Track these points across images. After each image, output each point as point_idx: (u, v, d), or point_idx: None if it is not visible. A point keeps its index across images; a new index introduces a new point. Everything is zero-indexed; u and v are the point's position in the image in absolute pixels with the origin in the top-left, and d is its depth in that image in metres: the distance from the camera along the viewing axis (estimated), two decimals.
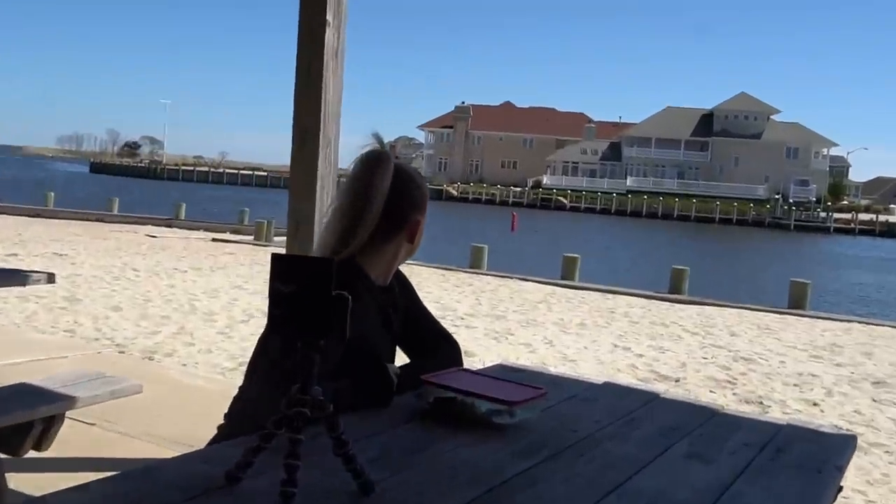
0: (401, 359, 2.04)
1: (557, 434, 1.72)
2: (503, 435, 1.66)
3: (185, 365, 6.32)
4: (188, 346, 7.01)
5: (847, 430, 5.72)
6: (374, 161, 1.88)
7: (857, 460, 5.13)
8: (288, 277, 1.22)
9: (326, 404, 1.25)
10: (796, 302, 13.95)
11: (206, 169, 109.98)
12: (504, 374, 2.18)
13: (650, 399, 2.17)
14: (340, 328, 1.23)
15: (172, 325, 7.95)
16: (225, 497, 1.25)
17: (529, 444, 1.63)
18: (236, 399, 1.85)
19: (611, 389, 2.29)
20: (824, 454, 1.80)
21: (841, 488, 1.76)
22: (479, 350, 7.65)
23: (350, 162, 1.95)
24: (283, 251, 2.51)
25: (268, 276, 1.23)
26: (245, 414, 1.75)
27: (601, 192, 77.66)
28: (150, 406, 4.51)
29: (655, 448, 1.71)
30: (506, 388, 1.83)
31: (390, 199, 1.87)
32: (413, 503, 1.29)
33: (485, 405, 1.71)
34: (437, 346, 2.11)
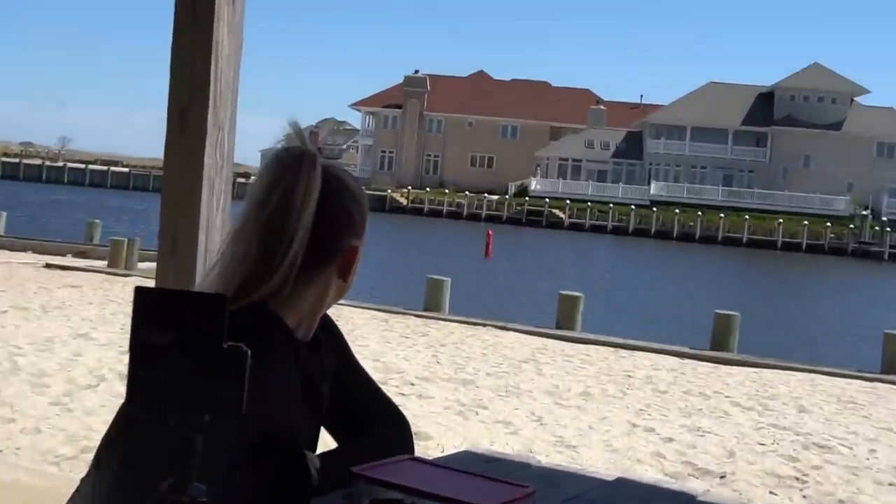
0: (326, 442, 2.03)
1: None
2: None
3: None
4: (6, 424, 6.85)
5: None
6: (295, 161, 1.88)
7: None
8: (160, 322, 1.22)
9: None
10: (893, 365, 14.14)
11: (37, 162, 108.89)
12: (472, 465, 2.18)
13: (683, 503, 2.19)
14: (235, 397, 1.22)
15: None
16: None
17: None
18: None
19: (626, 489, 2.30)
20: None
21: None
22: (437, 430, 7.60)
23: (259, 159, 1.94)
24: (151, 283, 2.46)
25: (128, 321, 1.22)
26: None
27: (614, 204, 78.46)
28: None
29: None
30: (474, 485, 1.84)
31: (317, 218, 1.87)
32: None
33: None
34: (377, 423, 2.11)
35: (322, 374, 1.97)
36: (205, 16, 3.24)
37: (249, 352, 1.24)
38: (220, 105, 3.33)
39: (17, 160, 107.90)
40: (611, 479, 2.40)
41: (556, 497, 2.09)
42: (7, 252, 21.95)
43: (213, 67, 3.29)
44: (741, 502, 2.44)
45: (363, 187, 2.04)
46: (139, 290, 1.22)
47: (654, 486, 2.35)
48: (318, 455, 1.96)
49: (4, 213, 27.15)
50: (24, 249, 22.88)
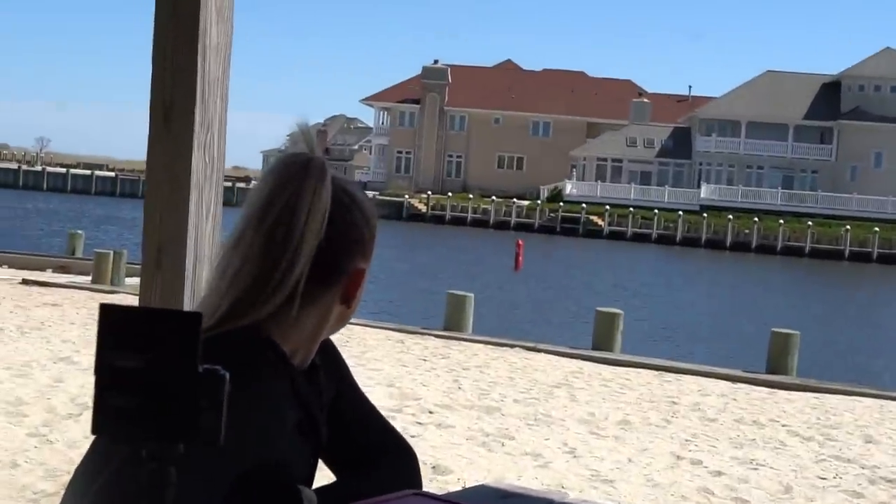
0: (328, 477, 2.05)
1: None
2: None
3: None
4: None
5: None
6: (302, 170, 1.88)
7: None
8: (128, 343, 1.23)
9: None
10: None
11: (13, 166, 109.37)
12: (489, 501, 2.19)
13: None
14: (211, 426, 1.24)
15: None
16: None
17: None
18: None
19: None
20: None
21: None
22: (458, 464, 7.62)
23: (262, 161, 1.95)
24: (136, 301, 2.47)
25: None
26: None
27: (659, 209, 78.26)
28: None
29: None
30: None
31: (323, 236, 1.87)
32: None
33: None
34: (381, 455, 2.13)
35: (320, 404, 1.98)
36: (189, 2, 3.27)
37: (228, 376, 1.25)
38: (209, 101, 3.33)
39: None
40: None
41: None
42: None
43: (199, 59, 3.29)
44: None
45: (373, 202, 2.04)
46: (105, 308, 1.23)
47: None
48: (314, 489, 1.98)
49: None
50: None
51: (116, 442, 1.26)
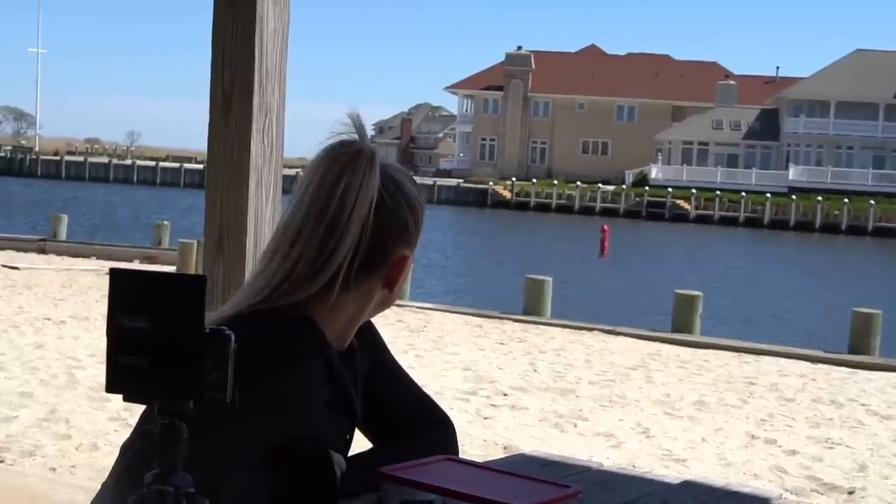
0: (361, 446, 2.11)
1: None
2: None
3: (53, 469, 6.40)
4: (62, 440, 7.09)
5: None
6: (351, 159, 1.93)
7: None
8: (138, 306, 1.29)
9: (199, 498, 1.31)
10: None
11: (104, 160, 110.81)
12: (526, 468, 2.22)
13: None
14: (218, 383, 1.29)
15: (38, 406, 8.05)
16: None
17: None
18: None
19: (694, 492, 2.34)
20: None
21: None
22: (531, 444, 7.62)
23: (314, 153, 2.00)
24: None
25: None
26: None
27: (747, 192, 77.34)
28: None
29: None
30: (513, 485, 1.89)
31: (369, 223, 1.92)
32: None
33: None
34: (416, 426, 2.18)
35: (356, 383, 2.03)
36: None
37: (233, 336, 1.29)
38: (267, 87, 3.40)
39: (81, 158, 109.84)
40: (676, 482, 2.45)
41: (609, 501, 2.15)
42: (69, 258, 22.55)
43: (256, 46, 3.36)
44: None
45: (424, 192, 2.08)
46: (114, 273, 1.28)
47: (723, 489, 2.39)
48: (349, 457, 2.04)
49: (66, 217, 27.78)
50: (87, 255, 23.40)
51: (128, 399, 1.30)
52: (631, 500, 2.18)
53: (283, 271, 1.89)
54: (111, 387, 1.30)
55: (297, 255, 1.89)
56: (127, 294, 1.29)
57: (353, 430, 2.06)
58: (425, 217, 2.08)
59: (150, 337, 1.27)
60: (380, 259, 1.95)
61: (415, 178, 2.08)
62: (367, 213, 1.89)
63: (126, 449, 1.85)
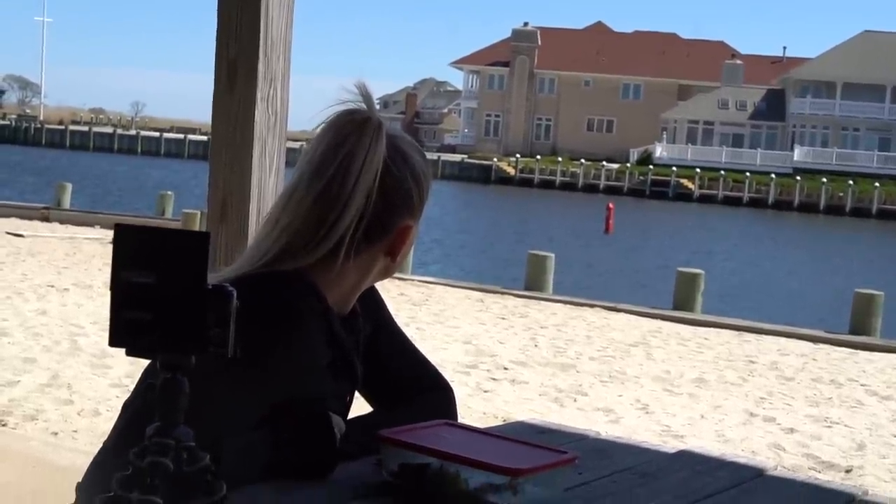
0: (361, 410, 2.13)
1: None
2: None
3: (56, 434, 6.44)
4: (64, 406, 7.14)
5: None
6: (358, 127, 1.94)
7: None
8: (142, 261, 1.30)
9: (199, 452, 1.33)
10: None
11: (109, 130, 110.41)
12: (523, 434, 2.24)
13: (749, 477, 2.24)
14: (219, 339, 1.30)
15: (40, 371, 8.10)
16: None
17: None
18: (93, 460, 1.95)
19: (687, 461, 2.35)
20: None
21: None
22: (529, 417, 7.65)
23: (317, 123, 2.00)
24: None
25: None
26: (93, 477, 1.85)
27: (751, 172, 77.21)
28: None
29: None
30: (512, 450, 1.90)
31: (373, 193, 1.92)
32: None
33: (475, 476, 1.78)
34: (416, 391, 2.20)
35: (357, 347, 2.05)
36: None
37: (235, 292, 1.30)
38: (272, 55, 3.39)
39: (86, 128, 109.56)
40: (672, 451, 2.47)
41: (606, 466, 2.16)
42: (72, 227, 22.56)
43: (262, 14, 3.36)
44: (815, 479, 2.47)
45: (429, 164, 2.09)
46: (119, 228, 1.29)
47: (718, 459, 2.40)
48: (349, 420, 2.05)
49: (70, 185, 27.79)
50: (91, 224, 23.41)
51: (132, 354, 1.31)
52: (627, 468, 2.19)
53: (287, 237, 1.91)
54: (114, 340, 1.30)
55: (301, 222, 1.90)
56: (131, 249, 1.30)
57: (354, 393, 2.08)
58: (430, 184, 2.08)
59: (154, 292, 1.28)
60: (383, 229, 1.97)
61: (421, 151, 2.09)
62: (371, 183, 1.90)
63: (128, 406, 1.88)
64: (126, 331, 1.30)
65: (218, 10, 3.38)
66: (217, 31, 3.37)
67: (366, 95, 1.98)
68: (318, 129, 1.97)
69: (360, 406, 2.12)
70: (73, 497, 1.93)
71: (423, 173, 2.03)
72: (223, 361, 1.31)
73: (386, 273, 2.05)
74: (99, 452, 1.91)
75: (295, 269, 1.91)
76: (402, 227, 1.99)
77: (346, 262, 1.94)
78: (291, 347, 1.85)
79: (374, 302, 2.16)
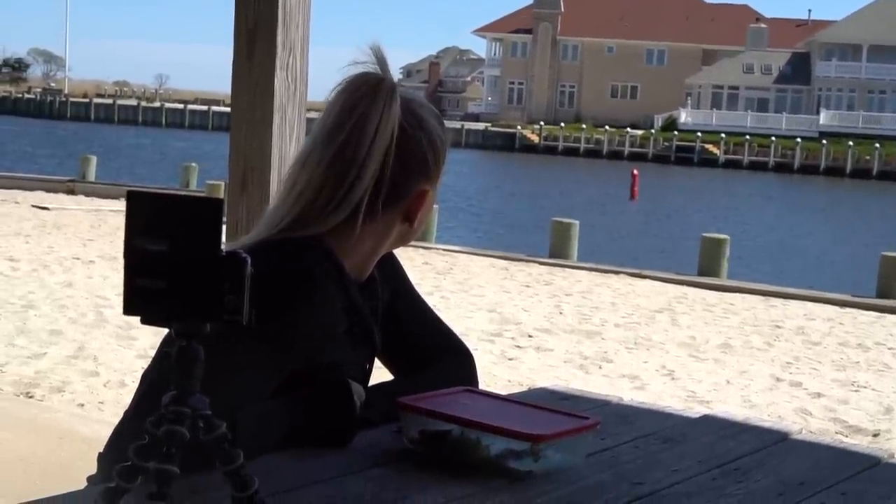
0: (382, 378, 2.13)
1: (608, 488, 1.79)
2: (520, 489, 1.73)
3: (82, 405, 6.48)
4: (90, 377, 7.19)
5: None
6: (371, 90, 1.92)
7: None
8: (155, 228, 1.29)
9: (216, 420, 1.32)
10: None
11: (133, 102, 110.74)
12: (543, 400, 2.23)
13: (774, 441, 2.23)
14: (234, 306, 1.29)
15: (67, 343, 8.15)
16: None
17: (557, 502, 1.70)
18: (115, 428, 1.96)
19: (711, 426, 2.35)
20: None
21: None
22: (553, 384, 7.69)
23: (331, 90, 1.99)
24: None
25: None
26: (114, 446, 1.86)
27: (777, 137, 76.83)
28: (23, 464, 4.68)
29: None
30: (533, 417, 1.90)
31: (388, 157, 1.91)
32: None
33: (497, 443, 1.78)
34: (436, 357, 2.19)
35: (375, 314, 2.05)
36: None
37: (249, 259, 1.29)
38: (290, 24, 3.38)
39: (110, 101, 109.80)
40: (696, 416, 2.46)
41: (629, 432, 2.15)
42: (98, 199, 22.67)
43: None
44: (840, 442, 2.46)
45: (447, 131, 2.08)
46: (131, 194, 1.29)
47: (742, 423, 2.39)
48: (369, 387, 2.05)
49: (95, 158, 27.88)
50: (116, 196, 23.49)
51: (146, 322, 1.30)
52: (650, 433, 2.18)
53: (302, 203, 1.90)
54: (129, 309, 1.30)
55: (316, 187, 1.90)
56: (144, 216, 1.30)
57: (373, 360, 2.08)
58: (448, 154, 2.07)
59: (167, 259, 1.27)
60: (400, 193, 1.96)
61: (438, 116, 2.07)
62: (386, 147, 1.90)
63: (146, 376, 1.88)
64: (140, 299, 1.29)
65: None
66: (235, 1, 3.37)
67: (380, 58, 1.96)
68: (332, 94, 1.96)
69: (379, 373, 2.11)
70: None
71: (439, 137, 2.01)
72: (239, 329, 1.30)
73: (404, 239, 2.05)
74: (119, 422, 1.91)
75: (312, 236, 1.91)
76: (418, 192, 1.98)
77: (363, 227, 1.93)
78: (308, 314, 1.84)
79: (392, 268, 2.16)
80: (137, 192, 1.30)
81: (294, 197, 1.91)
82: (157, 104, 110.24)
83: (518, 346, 9.25)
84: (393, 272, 2.16)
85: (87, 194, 23.86)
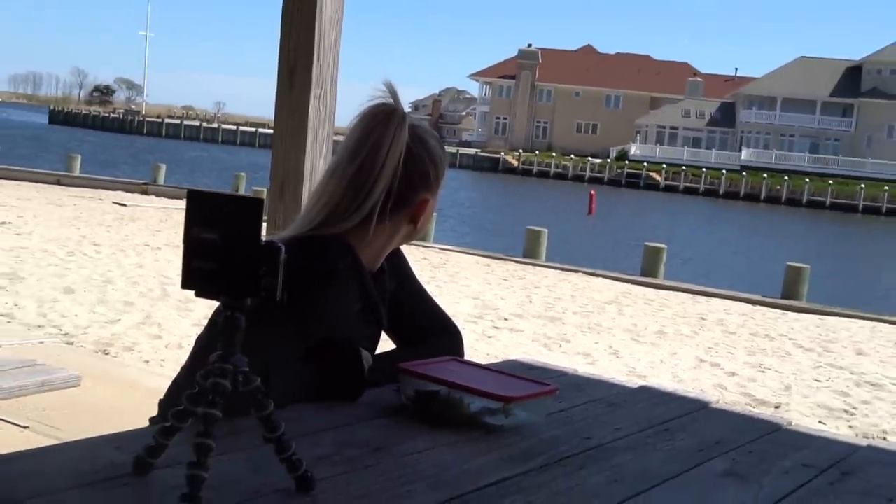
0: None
1: (562, 441, 1.78)
2: (493, 438, 1.73)
3: (147, 362, 6.50)
4: (154, 340, 7.21)
5: None
6: (385, 118, 1.93)
7: None
8: (208, 220, 1.28)
9: (252, 376, 1.32)
10: None
11: (196, 123, 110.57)
12: (516, 370, 2.22)
13: (697, 408, 2.22)
14: (271, 285, 1.28)
15: (137, 312, 8.16)
16: (125, 486, 1.33)
17: (523, 451, 1.69)
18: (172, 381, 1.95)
19: (647, 395, 2.34)
20: None
21: None
22: (523, 357, 7.70)
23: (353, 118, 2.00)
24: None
25: None
26: (171, 394, 1.85)
27: (707, 168, 76.78)
28: (100, 408, 4.68)
29: (684, 464, 1.76)
30: (506, 382, 1.89)
31: (398, 172, 1.92)
32: None
33: (475, 402, 1.77)
34: (431, 333, 2.19)
35: (383, 297, 2.05)
36: None
37: (283, 248, 1.28)
38: (323, 63, 3.38)
39: (178, 121, 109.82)
40: (635, 387, 2.46)
41: (581, 397, 2.15)
42: (165, 199, 22.66)
43: (316, 31, 3.34)
44: (750, 411, 2.46)
45: (445, 151, 2.08)
46: (190, 193, 1.28)
47: (671, 394, 2.38)
48: (376, 355, 2.05)
49: (164, 166, 27.90)
50: (180, 197, 23.51)
51: (200, 296, 1.29)
52: (598, 399, 2.18)
53: (329, 208, 1.91)
54: (185, 284, 1.30)
55: (340, 195, 1.90)
56: (200, 211, 1.29)
57: (380, 335, 2.07)
58: (447, 171, 2.07)
59: (217, 246, 1.27)
60: (406, 201, 1.96)
61: (438, 138, 2.08)
62: (397, 163, 1.90)
63: (199, 339, 1.89)
64: (195, 277, 1.29)
65: (281, 26, 3.40)
66: (280, 44, 3.39)
67: (392, 92, 1.96)
68: (354, 120, 1.96)
69: (385, 345, 2.11)
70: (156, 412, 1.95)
71: (439, 157, 2.02)
72: (273, 305, 1.30)
73: (409, 238, 2.05)
74: (175, 376, 1.92)
75: (335, 234, 1.91)
76: (421, 200, 1.99)
77: (376, 228, 1.94)
78: (329, 297, 1.84)
79: (398, 261, 2.16)
80: (196, 192, 1.30)
81: (322, 203, 1.92)
82: (214, 125, 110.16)
83: (496, 328, 9.24)
84: (399, 265, 2.16)
85: (157, 195, 23.86)
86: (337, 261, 1.87)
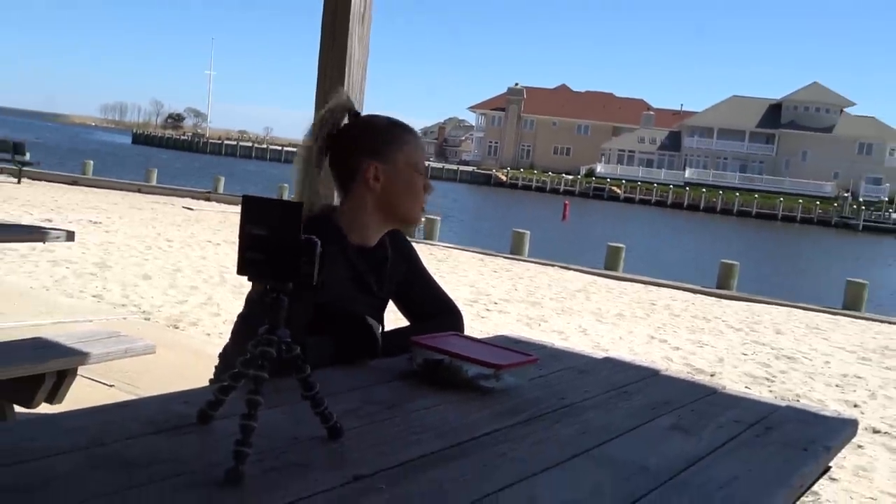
0: (396, 325, 2.11)
1: (542, 400, 1.77)
2: (486, 398, 1.72)
3: (208, 334, 6.48)
4: (214, 317, 7.18)
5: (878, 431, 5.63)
6: (327, 110, 1.85)
7: (886, 457, 5.06)
8: (259, 220, 1.28)
9: (293, 346, 1.32)
10: (851, 303, 13.72)
11: (249, 144, 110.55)
12: (503, 343, 2.21)
13: (649, 375, 2.21)
14: (308, 272, 1.28)
15: (200, 295, 8.15)
16: (190, 433, 1.34)
17: (510, 408, 1.69)
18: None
19: (610, 364, 2.33)
20: (816, 434, 1.82)
21: (829, 468, 1.78)
22: (510, 333, 7.70)
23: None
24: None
25: None
26: (224, 361, 1.84)
27: (657, 184, 76.76)
28: (171, 371, 4.68)
29: (639, 419, 1.75)
30: (496, 353, 1.89)
31: (337, 143, 1.82)
32: (374, 451, 1.36)
33: (472, 369, 1.77)
34: (436, 313, 2.16)
35: (377, 273, 1.96)
36: (342, 33, 3.29)
37: (319, 243, 1.28)
38: (351, 95, 3.36)
39: (235, 143, 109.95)
40: (600, 357, 2.45)
41: (557, 365, 2.14)
42: (224, 204, 22.66)
43: (346, 71, 3.33)
44: (692, 377, 2.47)
45: (404, 130, 1.91)
46: (245, 198, 1.28)
47: (629, 363, 2.37)
48: (392, 329, 2.03)
49: (223, 178, 27.94)
50: (236, 203, 23.48)
51: (252, 280, 1.31)
52: (571, 367, 2.17)
53: (298, 187, 1.85)
54: (240, 271, 1.30)
55: (310, 185, 1.83)
56: (252, 212, 1.29)
57: (383, 304, 2.01)
58: (411, 145, 1.90)
59: (266, 240, 1.27)
60: (352, 172, 1.86)
61: (390, 119, 1.93)
62: (329, 133, 1.81)
63: (240, 316, 1.87)
64: (248, 265, 1.29)
65: (318, 68, 3.40)
66: (317, 82, 3.39)
67: (346, 96, 1.90)
68: None
69: (399, 322, 2.10)
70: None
71: (375, 125, 1.86)
72: (302, 288, 1.28)
73: (380, 202, 1.88)
74: (229, 340, 1.90)
75: (323, 213, 1.87)
76: (365, 166, 1.85)
77: (347, 202, 1.87)
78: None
79: (408, 251, 2.12)
80: (249, 197, 1.30)
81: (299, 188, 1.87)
82: (264, 146, 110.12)
83: (488, 310, 9.22)
84: (408, 254, 2.13)
85: (218, 201, 23.87)
86: (319, 231, 1.84)
